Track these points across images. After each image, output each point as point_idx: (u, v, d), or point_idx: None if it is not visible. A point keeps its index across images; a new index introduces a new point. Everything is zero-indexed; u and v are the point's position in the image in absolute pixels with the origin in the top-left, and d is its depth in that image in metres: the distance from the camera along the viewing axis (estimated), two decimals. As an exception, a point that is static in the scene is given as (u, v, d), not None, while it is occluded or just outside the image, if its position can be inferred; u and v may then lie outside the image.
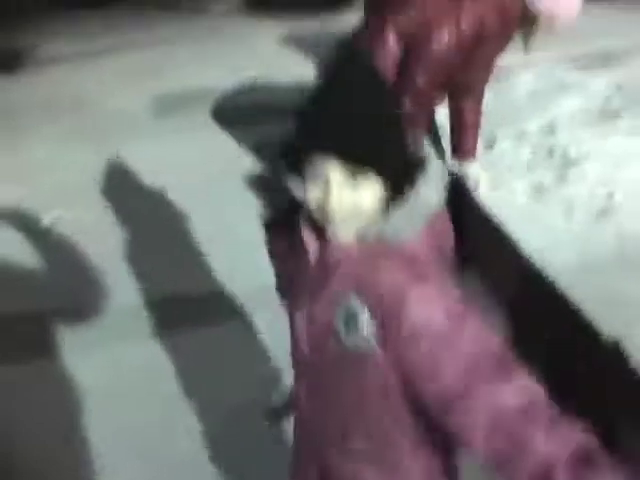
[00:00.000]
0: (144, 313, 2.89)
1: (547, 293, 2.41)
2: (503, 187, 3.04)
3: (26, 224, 3.44)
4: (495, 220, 2.81)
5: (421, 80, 2.55)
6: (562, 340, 2.38)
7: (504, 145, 3.37)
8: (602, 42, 4.65)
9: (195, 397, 2.46)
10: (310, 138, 1.01)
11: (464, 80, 2.78)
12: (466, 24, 2.52)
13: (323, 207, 1.01)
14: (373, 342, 1.00)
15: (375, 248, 1.04)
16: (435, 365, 0.96)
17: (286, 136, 1.06)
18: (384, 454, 1.13)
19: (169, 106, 4.61)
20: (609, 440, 1.18)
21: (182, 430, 2.33)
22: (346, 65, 1.02)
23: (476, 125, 2.99)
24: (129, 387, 2.50)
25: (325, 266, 1.08)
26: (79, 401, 2.45)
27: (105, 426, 2.35)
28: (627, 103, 3.64)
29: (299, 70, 4.99)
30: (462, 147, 3.02)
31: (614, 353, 2.05)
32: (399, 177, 1.03)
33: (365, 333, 1.01)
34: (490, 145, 3.39)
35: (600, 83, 3.95)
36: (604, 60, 4.40)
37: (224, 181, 3.58)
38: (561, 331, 2.40)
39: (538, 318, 2.55)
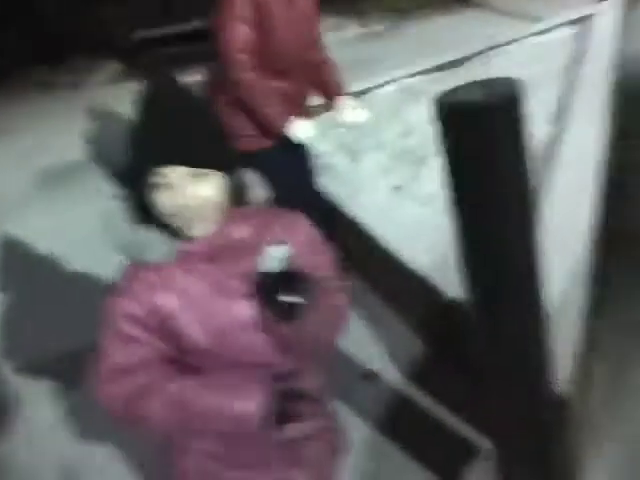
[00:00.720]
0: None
1: (407, 273, 2.64)
2: (365, 191, 3.27)
3: None
4: (358, 221, 3.02)
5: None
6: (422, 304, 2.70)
7: (366, 154, 3.63)
8: (454, 50, 5.07)
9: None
10: (148, 156, 1.17)
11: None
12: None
13: (178, 207, 1.18)
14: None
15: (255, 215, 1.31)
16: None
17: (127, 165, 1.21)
18: None
19: (52, 180, 4.70)
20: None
21: None
22: (160, 92, 1.22)
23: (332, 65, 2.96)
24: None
25: (232, 250, 1.25)
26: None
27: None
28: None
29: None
30: (333, 90, 2.94)
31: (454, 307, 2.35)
32: (230, 165, 1.24)
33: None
34: (354, 157, 3.65)
35: (448, 86, 4.29)
36: (454, 66, 4.81)
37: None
38: (418, 297, 2.71)
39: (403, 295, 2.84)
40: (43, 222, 4.01)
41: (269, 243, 1.22)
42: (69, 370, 2.94)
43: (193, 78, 2.89)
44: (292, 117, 2.71)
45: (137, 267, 1.25)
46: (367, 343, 2.75)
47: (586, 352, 1.88)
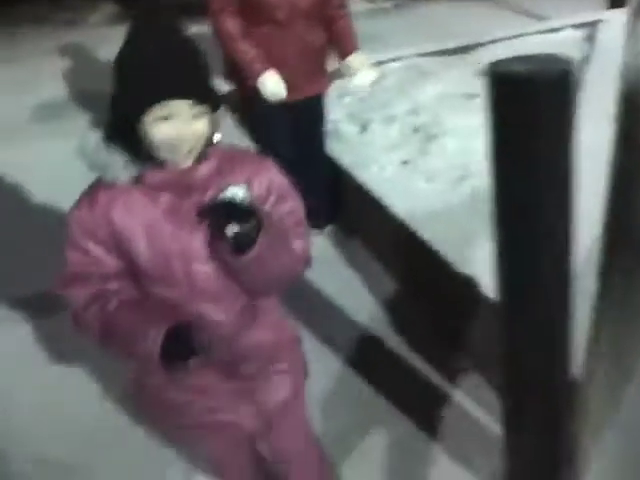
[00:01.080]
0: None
1: (416, 244, 2.67)
2: (375, 163, 3.28)
3: None
4: (368, 191, 3.04)
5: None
6: (435, 283, 2.70)
7: (375, 127, 3.65)
8: (460, 37, 5.09)
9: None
10: (159, 87, 1.20)
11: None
12: None
13: (175, 140, 1.23)
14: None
15: (221, 154, 1.34)
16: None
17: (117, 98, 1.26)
18: None
19: (45, 114, 4.58)
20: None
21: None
22: (159, 28, 1.25)
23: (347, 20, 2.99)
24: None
25: (195, 185, 1.30)
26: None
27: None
28: (482, 87, 4.01)
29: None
30: (348, 47, 3.00)
31: (469, 286, 2.36)
32: (218, 106, 1.31)
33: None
34: (364, 128, 3.66)
35: (459, 70, 4.33)
36: (464, 51, 4.83)
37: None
38: (427, 272, 2.73)
39: (416, 270, 2.87)
40: (28, 152, 3.93)
41: (230, 182, 1.26)
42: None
43: (199, 29, 2.89)
44: (309, 72, 2.83)
45: (100, 184, 1.32)
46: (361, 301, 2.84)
47: (593, 339, 1.94)
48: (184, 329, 1.24)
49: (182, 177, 1.29)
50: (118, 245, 1.32)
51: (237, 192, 1.23)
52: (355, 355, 2.61)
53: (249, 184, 1.29)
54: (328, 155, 3.35)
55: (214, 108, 1.30)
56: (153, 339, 1.23)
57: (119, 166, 1.28)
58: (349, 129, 3.71)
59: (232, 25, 2.71)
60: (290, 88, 2.84)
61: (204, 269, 1.32)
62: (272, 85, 2.76)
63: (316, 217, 3.29)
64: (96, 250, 1.32)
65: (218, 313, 1.37)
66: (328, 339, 2.68)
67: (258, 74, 2.73)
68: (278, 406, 1.54)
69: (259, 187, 1.35)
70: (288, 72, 2.80)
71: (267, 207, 1.35)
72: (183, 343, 1.23)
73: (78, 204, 1.33)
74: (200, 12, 2.94)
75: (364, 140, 3.57)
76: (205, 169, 1.31)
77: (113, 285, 1.33)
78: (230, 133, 3.90)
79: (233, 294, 1.37)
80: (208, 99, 1.26)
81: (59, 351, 2.66)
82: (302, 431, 1.71)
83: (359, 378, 2.50)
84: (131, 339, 1.27)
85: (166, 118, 1.22)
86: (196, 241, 1.31)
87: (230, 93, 3.25)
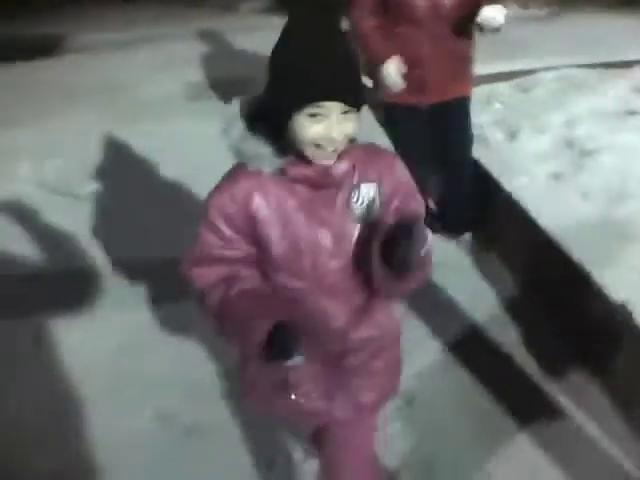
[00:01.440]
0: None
1: (563, 263, 2.55)
2: (524, 173, 3.17)
3: (65, 193, 3.62)
4: (517, 200, 2.94)
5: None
6: (577, 303, 2.58)
7: (526, 136, 3.53)
8: (621, 51, 4.82)
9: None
10: (315, 87, 1.20)
11: None
12: None
13: (323, 139, 1.24)
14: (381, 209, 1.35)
15: (357, 152, 1.35)
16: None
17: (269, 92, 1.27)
18: None
19: (199, 92, 4.76)
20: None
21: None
22: (319, 23, 1.23)
23: None
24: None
25: (332, 181, 1.32)
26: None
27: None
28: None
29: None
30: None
31: (621, 313, 2.25)
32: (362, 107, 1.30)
33: (377, 205, 1.35)
34: (513, 135, 3.54)
35: (616, 86, 4.10)
36: (622, 66, 4.57)
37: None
38: (576, 295, 2.59)
39: (556, 288, 2.74)
40: (174, 129, 4.10)
41: (363, 181, 1.34)
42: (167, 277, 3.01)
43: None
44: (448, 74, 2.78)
45: (242, 169, 1.34)
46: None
47: None
48: (288, 329, 1.25)
49: (321, 173, 1.30)
50: (253, 232, 1.34)
51: (369, 191, 1.32)
52: (480, 370, 2.53)
53: (380, 183, 1.35)
54: (472, 162, 3.25)
55: (360, 108, 1.29)
56: (259, 333, 1.25)
57: (266, 157, 1.30)
58: (497, 136, 3.60)
59: (369, 22, 2.72)
60: (427, 90, 2.79)
61: (331, 264, 1.36)
62: (393, 72, 2.68)
63: (455, 224, 3.23)
64: (232, 235, 1.34)
65: (336, 307, 1.41)
66: (453, 347, 2.62)
67: (382, 61, 2.68)
68: (359, 408, 1.55)
69: (387, 186, 1.38)
70: (425, 73, 2.75)
71: (392, 206, 1.38)
72: (283, 343, 1.24)
73: (219, 187, 1.35)
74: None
75: (512, 148, 3.45)
76: (343, 166, 1.32)
77: (241, 271, 1.36)
78: (371, 130, 3.90)
79: (353, 290, 1.41)
80: (359, 101, 1.26)
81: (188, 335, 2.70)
82: (363, 449, 1.68)
83: (484, 393, 2.43)
84: (241, 329, 1.29)
85: (316, 116, 1.22)
86: (327, 236, 1.34)
87: (370, 90, 3.22)
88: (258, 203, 1.32)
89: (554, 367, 2.50)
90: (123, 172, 3.86)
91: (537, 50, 5.17)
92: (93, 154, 3.97)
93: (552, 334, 2.66)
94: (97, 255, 3.20)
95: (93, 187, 3.73)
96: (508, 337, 2.67)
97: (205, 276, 1.36)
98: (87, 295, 2.94)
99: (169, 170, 3.77)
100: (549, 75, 4.48)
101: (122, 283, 3.02)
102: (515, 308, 2.83)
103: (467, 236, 3.29)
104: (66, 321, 2.78)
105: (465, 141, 3.10)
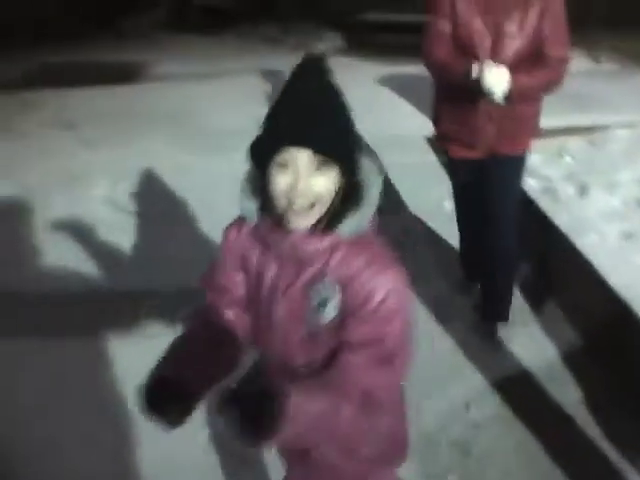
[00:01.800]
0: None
1: (630, 323, 2.47)
2: (593, 231, 3.11)
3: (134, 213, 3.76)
4: (586, 258, 2.88)
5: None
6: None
7: (596, 193, 3.47)
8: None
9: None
10: (281, 133, 1.12)
11: None
12: None
13: (290, 192, 1.13)
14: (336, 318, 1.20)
15: (340, 239, 1.19)
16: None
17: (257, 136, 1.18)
18: None
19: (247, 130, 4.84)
20: None
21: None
22: (306, 73, 1.15)
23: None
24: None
25: (302, 255, 1.21)
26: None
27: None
28: None
29: (394, 109, 5.25)
30: None
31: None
32: (351, 166, 1.18)
33: (333, 315, 1.20)
34: (584, 190, 3.49)
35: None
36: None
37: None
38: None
39: (621, 348, 2.65)
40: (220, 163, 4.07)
41: (331, 273, 1.19)
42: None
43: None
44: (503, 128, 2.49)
45: (237, 220, 1.35)
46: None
47: None
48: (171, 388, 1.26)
49: (291, 245, 1.20)
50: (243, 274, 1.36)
51: (325, 293, 1.18)
52: (539, 428, 2.45)
53: (346, 286, 1.18)
54: (513, 219, 2.71)
55: (345, 164, 1.16)
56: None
57: (251, 212, 1.25)
58: (567, 190, 3.55)
59: (444, 53, 2.48)
60: (478, 144, 2.56)
61: (293, 338, 1.28)
62: (496, 74, 2.27)
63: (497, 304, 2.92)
64: (231, 273, 1.37)
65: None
66: (513, 401, 2.56)
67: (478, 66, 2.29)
68: None
69: (356, 295, 1.18)
70: (478, 129, 2.52)
71: (350, 320, 1.19)
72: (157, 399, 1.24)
73: (229, 227, 1.37)
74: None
75: (582, 204, 3.40)
76: (318, 244, 1.19)
77: (236, 311, 1.39)
78: (434, 175, 3.88)
79: (309, 352, 1.29)
80: (335, 152, 1.13)
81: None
82: None
83: (543, 452, 2.34)
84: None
85: (285, 166, 1.13)
86: (281, 310, 1.27)
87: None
88: (246, 250, 1.33)
89: (617, 432, 2.41)
90: (183, 196, 3.95)
91: (610, 105, 5.12)
92: (160, 178, 4.10)
93: (616, 397, 2.56)
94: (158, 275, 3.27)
95: (160, 208, 3.85)
96: (569, 396, 2.59)
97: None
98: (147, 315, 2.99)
99: (221, 200, 3.83)
100: (622, 131, 4.42)
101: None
102: (577, 366, 2.75)
103: (529, 288, 3.22)
104: (122, 340, 2.83)
105: (508, 201, 2.65)
